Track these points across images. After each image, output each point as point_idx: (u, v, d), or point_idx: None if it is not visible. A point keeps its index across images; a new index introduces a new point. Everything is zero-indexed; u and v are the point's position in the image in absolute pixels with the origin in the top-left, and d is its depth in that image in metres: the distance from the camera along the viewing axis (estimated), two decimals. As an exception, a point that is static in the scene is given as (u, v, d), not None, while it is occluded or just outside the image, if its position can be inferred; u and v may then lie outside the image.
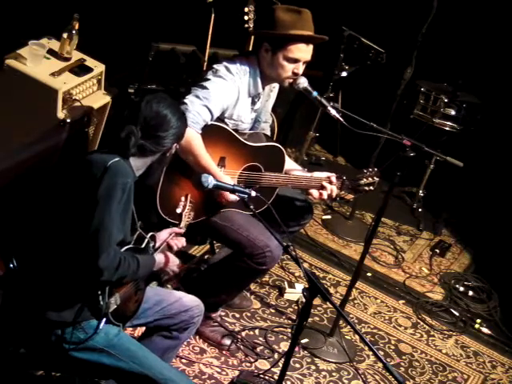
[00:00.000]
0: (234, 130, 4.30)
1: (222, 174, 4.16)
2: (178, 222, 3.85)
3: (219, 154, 4.23)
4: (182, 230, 3.80)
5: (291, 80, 4.28)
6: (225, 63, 4.25)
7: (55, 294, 3.34)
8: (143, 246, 3.54)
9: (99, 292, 3.34)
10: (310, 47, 4.24)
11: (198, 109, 4.09)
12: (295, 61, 4.22)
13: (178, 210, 3.85)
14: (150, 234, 3.61)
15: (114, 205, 3.28)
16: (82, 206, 3.29)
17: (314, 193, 4.49)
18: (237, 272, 4.39)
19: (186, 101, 4.10)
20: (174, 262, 3.70)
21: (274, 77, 4.30)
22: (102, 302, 3.35)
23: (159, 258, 3.62)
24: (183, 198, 3.89)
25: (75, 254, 3.28)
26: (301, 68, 4.25)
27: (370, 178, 4.62)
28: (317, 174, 4.53)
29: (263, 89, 4.36)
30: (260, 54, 4.27)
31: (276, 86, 4.54)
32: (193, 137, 4.04)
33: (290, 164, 4.56)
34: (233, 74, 4.22)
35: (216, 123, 4.21)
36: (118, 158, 3.36)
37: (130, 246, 3.47)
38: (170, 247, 3.73)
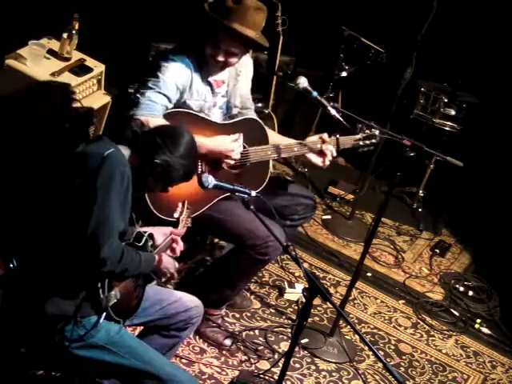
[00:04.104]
0: (199, 111, 4.21)
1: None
2: (175, 219, 3.81)
3: None
4: (182, 232, 3.78)
5: (217, 64, 4.18)
6: (169, 51, 4.20)
7: (56, 287, 3.33)
8: (141, 243, 3.53)
9: (99, 285, 3.33)
10: (239, 43, 4.11)
11: (151, 96, 4.02)
12: (218, 48, 4.11)
13: (176, 215, 3.81)
14: (148, 232, 3.60)
15: (115, 194, 3.26)
16: (82, 197, 3.26)
17: (315, 160, 4.45)
18: (240, 264, 4.34)
19: (137, 94, 4.04)
20: (171, 264, 3.66)
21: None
22: (101, 296, 3.34)
23: (156, 257, 3.59)
24: (180, 204, 3.85)
25: (77, 246, 3.26)
26: (221, 56, 4.13)
27: (366, 131, 4.54)
28: (308, 139, 4.48)
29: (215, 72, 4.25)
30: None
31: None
32: (156, 122, 3.85)
33: (278, 137, 4.49)
34: (180, 54, 4.13)
35: (176, 109, 4.12)
36: (113, 148, 3.34)
37: (129, 241, 3.46)
38: (172, 250, 3.73)
